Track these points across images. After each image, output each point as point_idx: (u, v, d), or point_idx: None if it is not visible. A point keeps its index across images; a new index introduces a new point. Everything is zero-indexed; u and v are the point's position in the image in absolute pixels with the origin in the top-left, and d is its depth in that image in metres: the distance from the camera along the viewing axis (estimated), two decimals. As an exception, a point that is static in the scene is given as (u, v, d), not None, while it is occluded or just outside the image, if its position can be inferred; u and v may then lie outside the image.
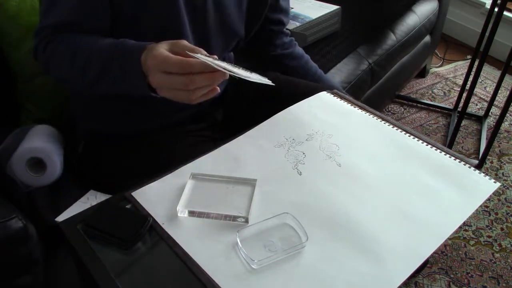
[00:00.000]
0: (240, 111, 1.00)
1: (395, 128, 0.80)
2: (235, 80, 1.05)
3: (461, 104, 1.83)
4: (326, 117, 0.83)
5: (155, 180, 0.69)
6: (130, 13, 0.77)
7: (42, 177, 0.85)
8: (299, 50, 1.13)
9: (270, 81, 0.66)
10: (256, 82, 0.63)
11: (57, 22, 0.75)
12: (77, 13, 0.75)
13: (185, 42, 0.65)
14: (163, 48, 0.64)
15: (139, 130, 0.90)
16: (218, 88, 0.64)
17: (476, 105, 2.07)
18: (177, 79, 0.61)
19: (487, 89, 2.18)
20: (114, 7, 0.75)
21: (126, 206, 0.65)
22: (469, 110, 1.98)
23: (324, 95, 0.90)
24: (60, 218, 0.82)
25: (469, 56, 2.43)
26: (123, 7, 0.76)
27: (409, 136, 0.78)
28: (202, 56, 0.61)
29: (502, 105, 1.96)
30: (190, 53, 0.62)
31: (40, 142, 0.87)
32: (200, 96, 0.64)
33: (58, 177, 0.87)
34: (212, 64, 0.59)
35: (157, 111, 0.89)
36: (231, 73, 0.61)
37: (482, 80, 2.24)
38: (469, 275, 1.32)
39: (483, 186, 0.69)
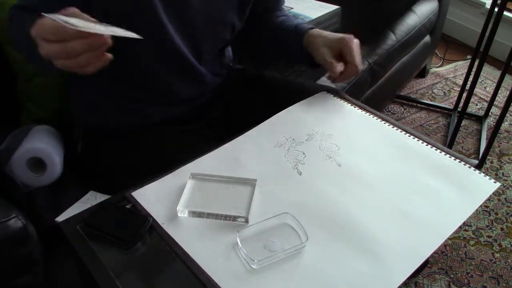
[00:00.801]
0: (240, 111, 1.00)
1: (395, 128, 0.80)
2: (234, 78, 1.03)
3: (461, 104, 1.83)
4: (326, 117, 0.83)
5: (155, 180, 0.69)
6: (100, 7, 0.73)
7: (42, 177, 0.85)
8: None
9: (137, 35, 0.61)
10: (123, 35, 0.59)
11: (28, 5, 0.75)
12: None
13: (75, 9, 0.59)
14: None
15: (139, 125, 0.90)
16: (109, 55, 0.60)
17: (476, 105, 2.07)
18: (55, 47, 0.58)
19: (487, 89, 2.18)
20: None
21: (126, 206, 0.65)
22: (469, 110, 1.98)
23: (324, 95, 0.90)
24: (60, 218, 0.82)
25: (469, 56, 2.43)
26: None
27: (409, 136, 0.78)
28: (58, 16, 0.56)
29: (502, 105, 1.96)
30: (46, 15, 0.56)
31: (40, 142, 0.87)
32: (90, 65, 0.59)
33: (58, 177, 0.87)
34: (72, 26, 0.55)
35: (154, 104, 0.89)
36: (95, 32, 0.56)
37: (482, 80, 2.24)
38: (469, 275, 1.32)
39: (483, 186, 0.69)
